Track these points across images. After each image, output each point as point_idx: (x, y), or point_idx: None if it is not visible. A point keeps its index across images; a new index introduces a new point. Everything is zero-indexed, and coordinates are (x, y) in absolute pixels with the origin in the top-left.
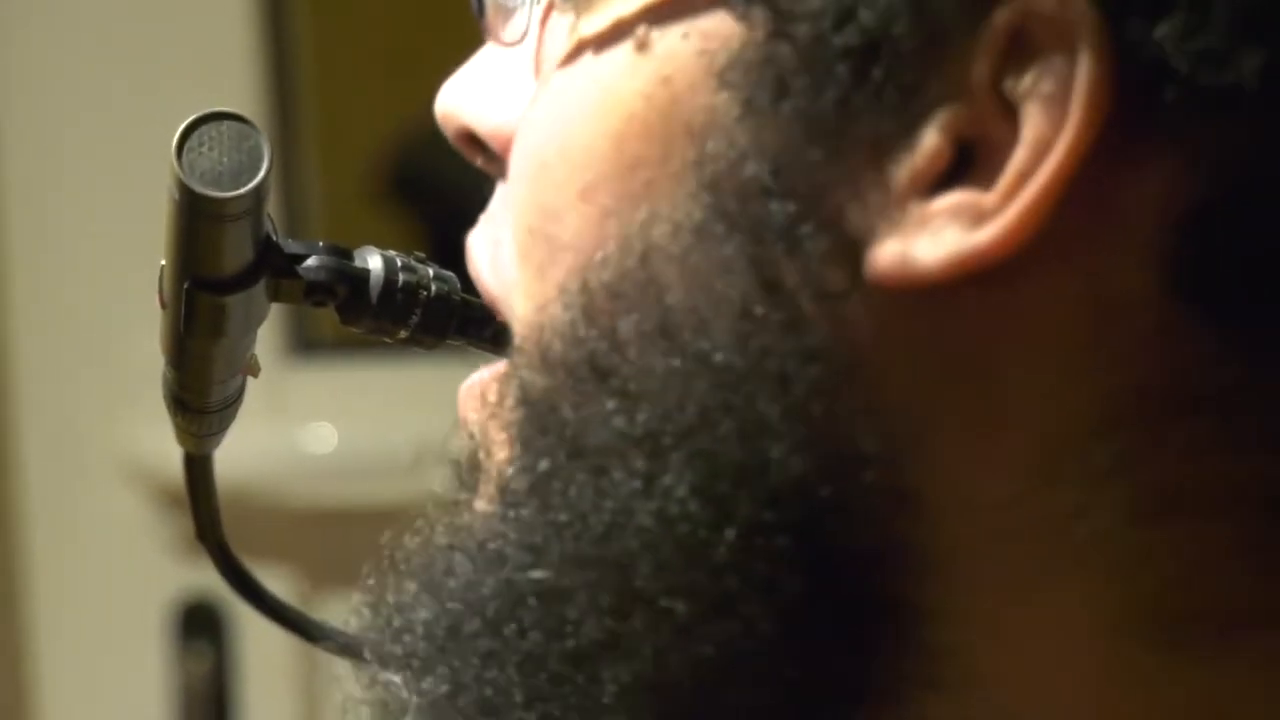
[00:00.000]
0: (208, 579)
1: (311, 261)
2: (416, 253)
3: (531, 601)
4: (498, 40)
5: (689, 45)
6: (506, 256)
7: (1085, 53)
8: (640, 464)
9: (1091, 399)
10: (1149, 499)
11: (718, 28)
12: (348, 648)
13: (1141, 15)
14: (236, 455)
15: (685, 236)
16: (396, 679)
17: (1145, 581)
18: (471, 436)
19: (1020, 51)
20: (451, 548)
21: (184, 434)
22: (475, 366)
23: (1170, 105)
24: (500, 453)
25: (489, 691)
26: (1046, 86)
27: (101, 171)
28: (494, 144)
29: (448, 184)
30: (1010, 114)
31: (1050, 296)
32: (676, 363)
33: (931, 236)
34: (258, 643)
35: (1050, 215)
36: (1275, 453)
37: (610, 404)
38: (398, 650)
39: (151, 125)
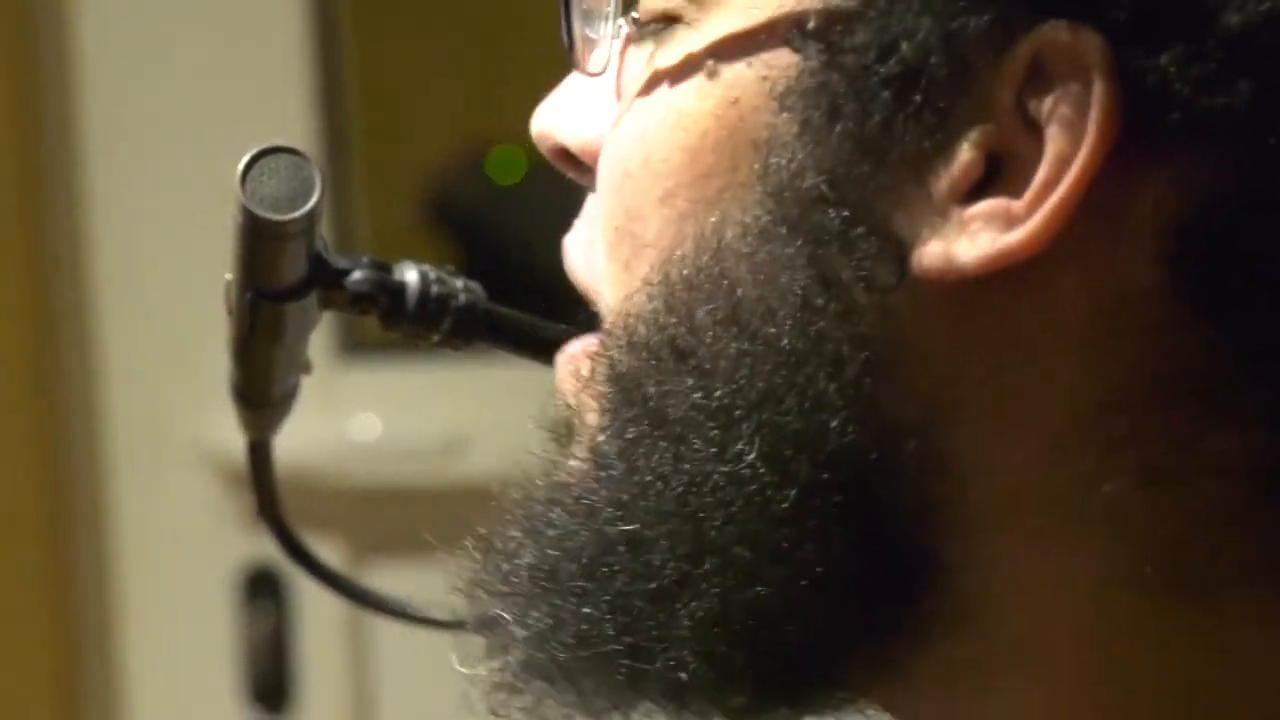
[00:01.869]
0: (270, 549)
1: (356, 275)
2: (448, 266)
3: (619, 549)
4: (584, 71)
5: (752, 72)
6: (598, 253)
7: (1098, 80)
8: (715, 433)
9: (1106, 379)
10: (1153, 468)
11: (777, 58)
12: (389, 609)
13: (1145, 46)
14: (293, 442)
15: (753, 237)
16: (505, 615)
17: (1146, 540)
18: (567, 404)
19: (1040, 77)
20: (551, 502)
21: (247, 424)
22: (500, 366)
23: (1172, 125)
24: (592, 419)
25: (584, 626)
26: (1065, 109)
27: (178, 197)
28: (585, 158)
29: (477, 213)
30: (1035, 130)
31: (1069, 290)
32: (746, 346)
33: (969, 238)
34: (313, 605)
35: (1070, 220)
36: (1266, 428)
37: (688, 382)
38: (505, 590)
39: (220, 156)
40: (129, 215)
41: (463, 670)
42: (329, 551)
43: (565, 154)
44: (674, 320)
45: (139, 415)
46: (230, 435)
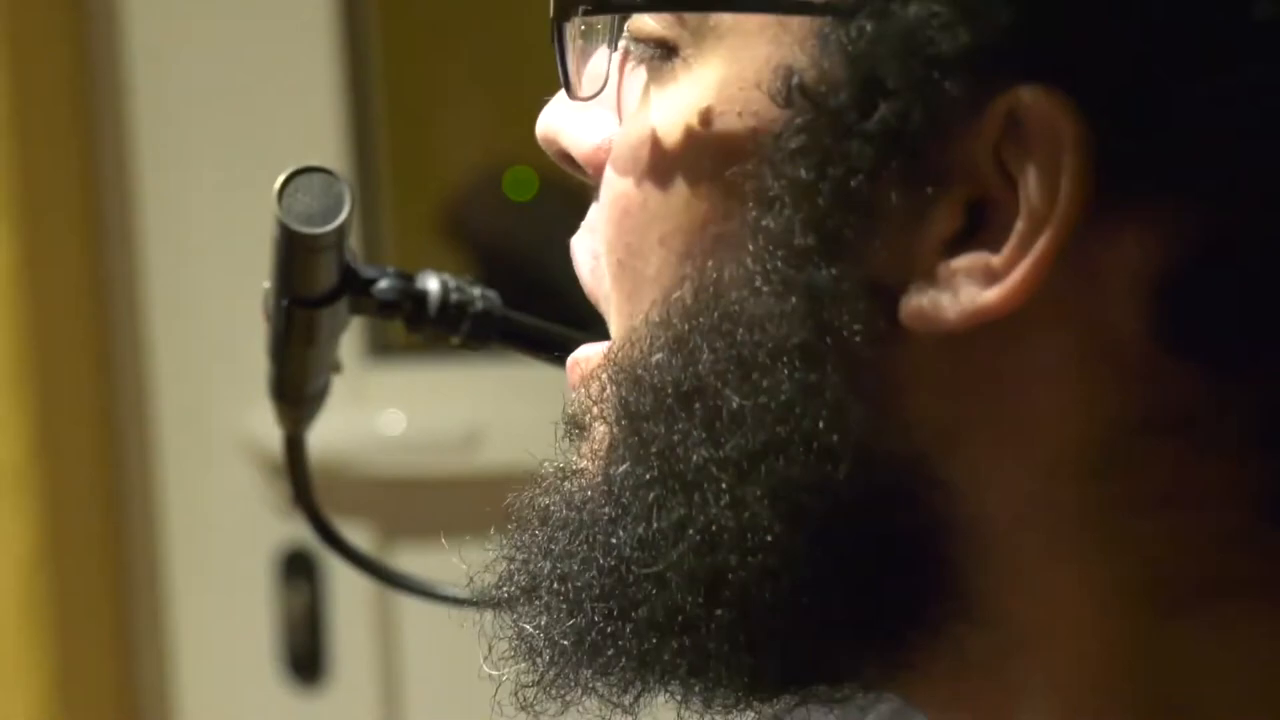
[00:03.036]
0: (305, 533)
1: (383, 283)
2: (466, 276)
3: (641, 584)
4: (575, 96)
5: (742, 123)
6: (603, 271)
7: (1068, 145)
8: (726, 484)
9: (1094, 418)
10: (1147, 496)
11: (766, 111)
12: (414, 588)
13: (1115, 115)
14: (326, 436)
15: (748, 289)
16: (528, 626)
17: (1137, 559)
18: (578, 405)
19: (1016, 134)
20: (567, 525)
21: (284, 419)
22: (514, 366)
23: (1142, 187)
24: (600, 433)
25: (607, 645)
26: (1039, 168)
27: (222, 213)
28: (588, 168)
29: (494, 227)
30: (1013, 185)
31: (1052, 339)
32: (748, 396)
33: (952, 293)
34: (344, 584)
35: (1047, 275)
36: (1248, 458)
37: (695, 432)
38: (529, 605)
39: (260, 176)
40: (178, 229)
41: (489, 671)
42: (358, 535)
43: (570, 157)
44: (677, 364)
45: (186, 411)
46: (269, 429)
